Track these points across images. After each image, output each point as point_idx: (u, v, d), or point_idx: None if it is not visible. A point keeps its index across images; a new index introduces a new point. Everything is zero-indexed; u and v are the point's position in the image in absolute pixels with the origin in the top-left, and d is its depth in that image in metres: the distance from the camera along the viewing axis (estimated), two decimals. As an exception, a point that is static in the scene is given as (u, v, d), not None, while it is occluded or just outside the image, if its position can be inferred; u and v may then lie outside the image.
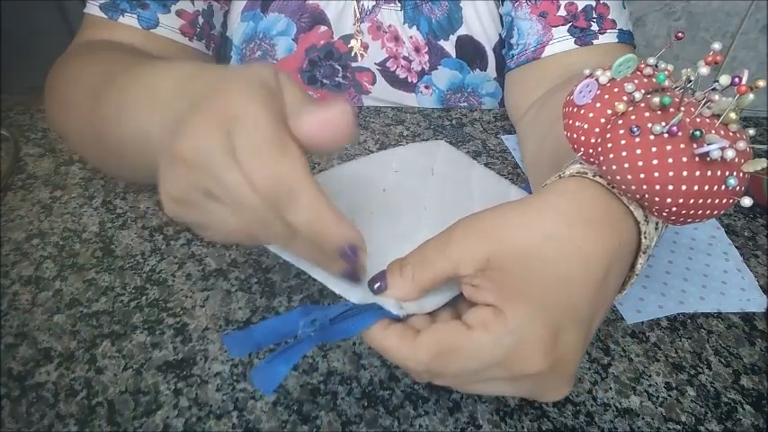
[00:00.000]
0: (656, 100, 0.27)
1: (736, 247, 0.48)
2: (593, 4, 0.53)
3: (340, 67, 0.63)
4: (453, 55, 0.62)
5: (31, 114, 0.59)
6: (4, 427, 0.34)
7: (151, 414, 0.35)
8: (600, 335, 0.41)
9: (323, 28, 0.61)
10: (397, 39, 0.62)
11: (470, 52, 0.62)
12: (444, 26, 0.61)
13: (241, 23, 0.61)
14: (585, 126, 0.29)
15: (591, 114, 0.29)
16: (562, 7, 0.54)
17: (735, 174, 0.26)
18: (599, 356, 0.40)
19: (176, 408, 0.36)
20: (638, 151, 0.26)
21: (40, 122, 0.58)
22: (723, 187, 0.27)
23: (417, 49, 0.62)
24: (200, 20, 0.56)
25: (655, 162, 0.26)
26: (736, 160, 0.27)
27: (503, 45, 0.62)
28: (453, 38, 0.61)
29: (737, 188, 0.27)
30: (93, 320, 0.40)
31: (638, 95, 0.28)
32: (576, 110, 0.30)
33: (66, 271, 0.43)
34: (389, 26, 0.61)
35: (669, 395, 0.38)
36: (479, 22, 0.61)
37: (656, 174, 0.26)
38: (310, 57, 0.62)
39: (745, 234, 0.49)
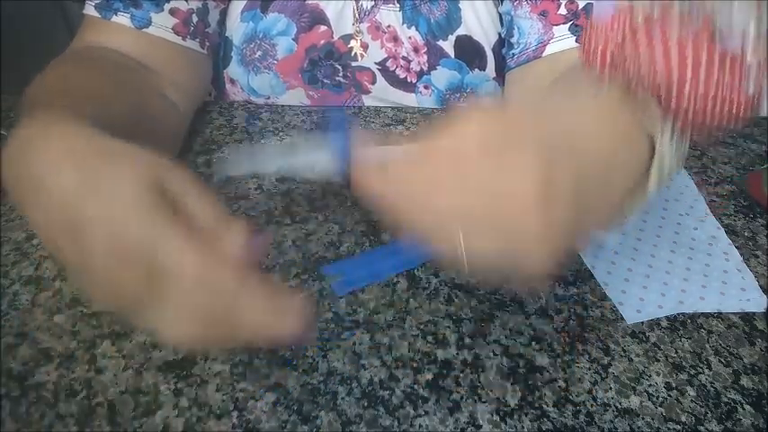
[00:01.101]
0: (676, 8, 0.28)
1: (736, 247, 0.48)
2: (594, 2, 0.53)
3: (340, 67, 0.63)
4: (452, 55, 0.62)
5: (30, 114, 0.59)
6: (4, 427, 0.34)
7: (151, 414, 0.35)
8: (600, 335, 0.41)
9: (323, 28, 0.61)
10: (396, 39, 0.62)
11: (469, 52, 0.62)
12: (443, 26, 0.61)
13: (241, 23, 0.61)
14: (603, 40, 0.31)
15: (610, 29, 0.31)
16: (563, 6, 0.53)
17: (753, 80, 0.27)
18: (599, 356, 0.40)
19: (176, 408, 0.36)
20: (659, 49, 0.28)
21: (39, 122, 0.58)
22: (740, 91, 0.28)
23: (416, 50, 0.62)
24: (194, 18, 0.56)
25: (675, 59, 0.27)
26: (755, 71, 0.28)
27: (502, 45, 0.61)
28: (452, 38, 0.61)
29: (755, 97, 0.28)
30: (93, 320, 0.40)
31: (655, 10, 0.29)
32: (594, 29, 0.32)
33: (66, 271, 0.43)
34: (388, 26, 0.61)
35: (669, 395, 0.38)
36: (478, 22, 0.61)
37: (676, 70, 0.27)
38: (311, 56, 0.62)
39: (746, 234, 0.49)
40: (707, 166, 0.56)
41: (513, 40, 0.57)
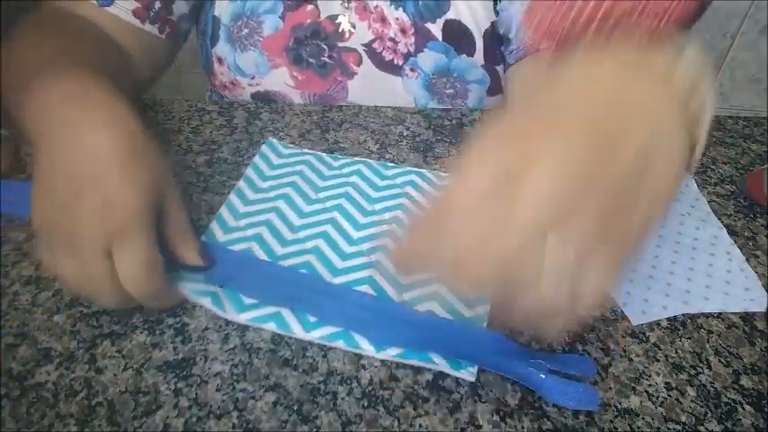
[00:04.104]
0: None
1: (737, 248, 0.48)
2: None
3: (326, 47, 0.63)
4: (440, 38, 0.61)
5: (31, 114, 0.59)
6: (4, 427, 0.34)
7: (151, 414, 0.35)
8: (600, 335, 0.41)
9: (310, 7, 0.61)
10: (383, 20, 0.61)
11: (457, 36, 0.61)
12: (432, 9, 0.60)
13: (230, 2, 0.61)
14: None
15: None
16: None
17: None
18: (599, 356, 0.40)
19: (176, 408, 0.36)
20: None
21: (40, 122, 0.58)
22: None
23: (403, 31, 0.61)
24: (157, 4, 0.58)
25: None
26: None
27: (496, 36, 0.61)
28: (441, 21, 0.61)
29: None
30: (93, 320, 0.40)
31: None
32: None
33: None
34: (376, 6, 0.61)
35: (669, 395, 0.38)
36: (468, 8, 0.60)
37: None
38: (296, 35, 0.62)
39: (746, 234, 0.49)
40: (707, 166, 0.56)
41: (512, 35, 0.57)
